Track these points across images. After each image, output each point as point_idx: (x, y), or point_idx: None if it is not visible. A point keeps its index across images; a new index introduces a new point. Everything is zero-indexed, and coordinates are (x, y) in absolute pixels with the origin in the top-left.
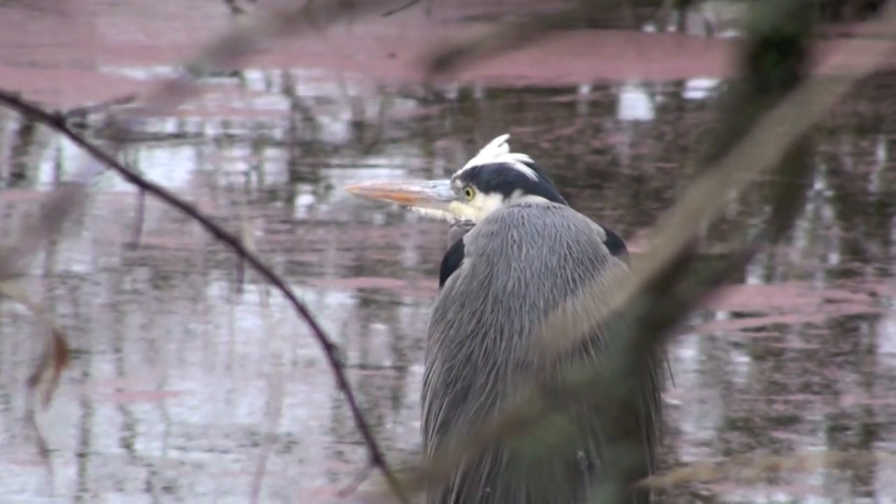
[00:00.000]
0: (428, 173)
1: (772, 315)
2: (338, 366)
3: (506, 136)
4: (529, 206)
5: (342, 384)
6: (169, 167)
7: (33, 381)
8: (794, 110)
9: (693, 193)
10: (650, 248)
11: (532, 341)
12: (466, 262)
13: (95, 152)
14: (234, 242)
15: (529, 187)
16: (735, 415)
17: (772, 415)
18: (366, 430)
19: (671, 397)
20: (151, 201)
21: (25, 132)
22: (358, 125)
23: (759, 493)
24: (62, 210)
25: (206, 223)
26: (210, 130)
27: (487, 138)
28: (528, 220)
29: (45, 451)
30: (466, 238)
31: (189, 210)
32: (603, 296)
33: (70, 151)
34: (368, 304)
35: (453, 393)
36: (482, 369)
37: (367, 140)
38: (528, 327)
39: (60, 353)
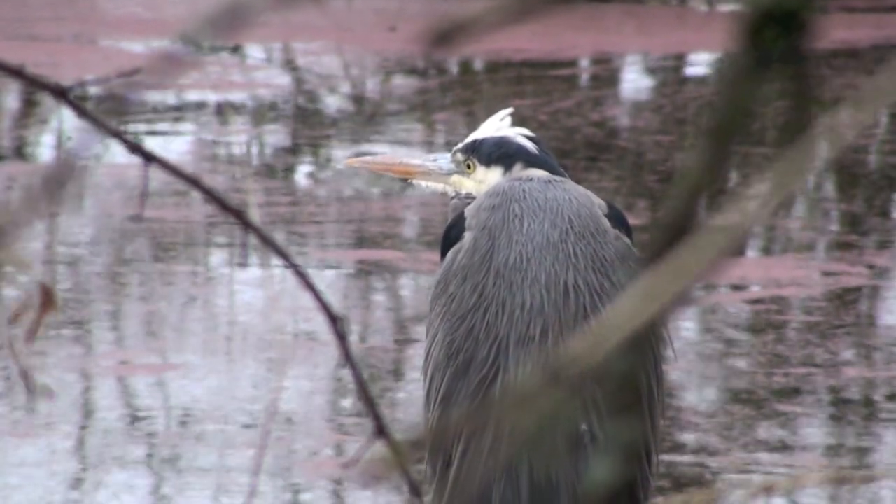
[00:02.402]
0: (428, 146)
1: (770, 287)
2: (342, 338)
3: (509, 110)
4: (531, 179)
5: (346, 356)
6: (170, 140)
7: (13, 319)
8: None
9: (693, 166)
10: (652, 221)
11: (536, 317)
12: (468, 236)
13: (99, 123)
14: (238, 214)
15: (530, 160)
16: (737, 387)
17: (774, 387)
18: (369, 402)
19: (673, 370)
20: (153, 173)
21: (27, 106)
22: (358, 98)
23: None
24: (61, 181)
25: (211, 195)
26: (211, 104)
27: (488, 111)
28: (530, 194)
29: (34, 389)
30: (468, 211)
31: (193, 182)
32: (605, 269)
33: (71, 125)
34: (369, 276)
35: (455, 366)
36: (483, 343)
37: (367, 113)
38: (530, 301)
39: (46, 298)
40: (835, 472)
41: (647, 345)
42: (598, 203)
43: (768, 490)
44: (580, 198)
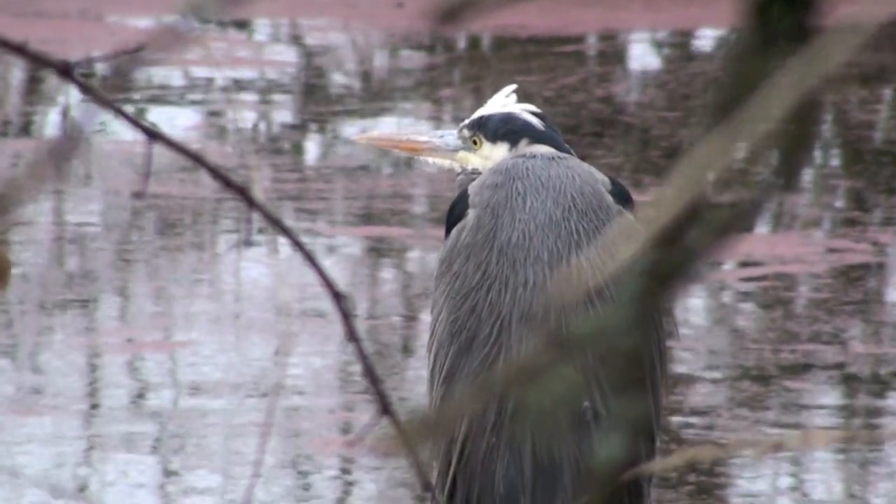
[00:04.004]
0: (435, 122)
1: (774, 264)
2: (347, 315)
3: (513, 87)
4: (534, 156)
5: (351, 333)
6: (176, 117)
7: None
8: (804, 62)
9: (700, 144)
10: (658, 199)
11: (539, 294)
12: (471, 214)
13: (104, 101)
14: (242, 192)
15: (536, 137)
16: (745, 363)
17: (783, 363)
18: (374, 379)
19: (680, 347)
20: (158, 150)
21: (32, 82)
22: (365, 75)
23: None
24: (66, 155)
25: (215, 172)
26: (217, 81)
27: (494, 88)
28: (533, 172)
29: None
30: (471, 189)
31: (197, 159)
32: (608, 247)
33: (77, 102)
34: (377, 252)
35: (458, 344)
36: (487, 321)
37: (374, 89)
38: (533, 279)
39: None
40: (844, 433)
41: (650, 321)
42: (602, 179)
43: (777, 448)
44: (583, 175)
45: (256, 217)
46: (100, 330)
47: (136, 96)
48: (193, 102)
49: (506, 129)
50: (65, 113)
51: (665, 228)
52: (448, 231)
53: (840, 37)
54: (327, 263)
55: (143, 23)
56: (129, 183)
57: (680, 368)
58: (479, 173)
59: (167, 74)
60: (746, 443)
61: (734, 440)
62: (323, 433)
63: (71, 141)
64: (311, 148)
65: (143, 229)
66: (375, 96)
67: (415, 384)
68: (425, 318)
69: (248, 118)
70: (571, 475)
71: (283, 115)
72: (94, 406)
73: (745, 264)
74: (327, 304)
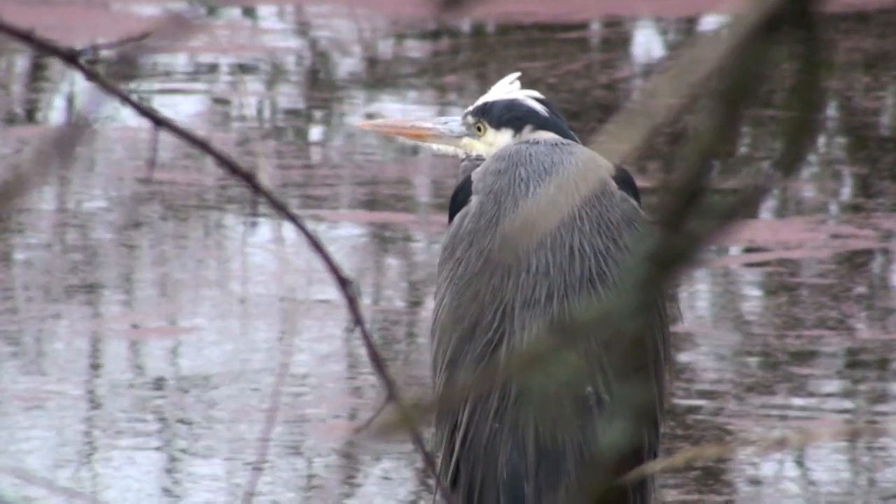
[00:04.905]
0: (440, 109)
1: (778, 250)
2: (352, 300)
3: (517, 73)
4: (537, 142)
5: (356, 319)
6: (181, 103)
7: None
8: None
9: (704, 129)
10: (662, 184)
11: (541, 279)
12: (474, 200)
13: (109, 87)
14: (248, 178)
15: (540, 123)
16: (751, 350)
17: (789, 349)
18: (380, 365)
19: (686, 332)
20: (164, 137)
21: (37, 69)
22: (370, 61)
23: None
24: (71, 142)
25: (221, 158)
26: (223, 67)
27: (499, 74)
28: (536, 158)
29: None
30: (474, 175)
31: (203, 145)
32: (610, 232)
33: (82, 89)
34: (381, 238)
35: (461, 330)
36: (489, 306)
37: (378, 76)
38: (535, 265)
39: None
40: (847, 427)
41: (654, 306)
42: (605, 165)
43: (780, 444)
44: (587, 161)
45: (262, 203)
46: (105, 316)
47: (141, 83)
48: (198, 89)
49: (510, 116)
50: (69, 100)
51: (669, 214)
52: (451, 217)
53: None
54: (332, 249)
55: (147, 10)
56: (133, 169)
57: (685, 354)
58: (484, 160)
59: (172, 61)
60: (749, 440)
61: (737, 437)
62: (328, 419)
63: (76, 128)
64: (316, 134)
65: (147, 215)
66: (380, 83)
67: (419, 370)
68: (430, 303)
69: (252, 104)
70: (575, 460)
71: (288, 101)
72: (99, 392)
73: (749, 250)
74: (332, 290)
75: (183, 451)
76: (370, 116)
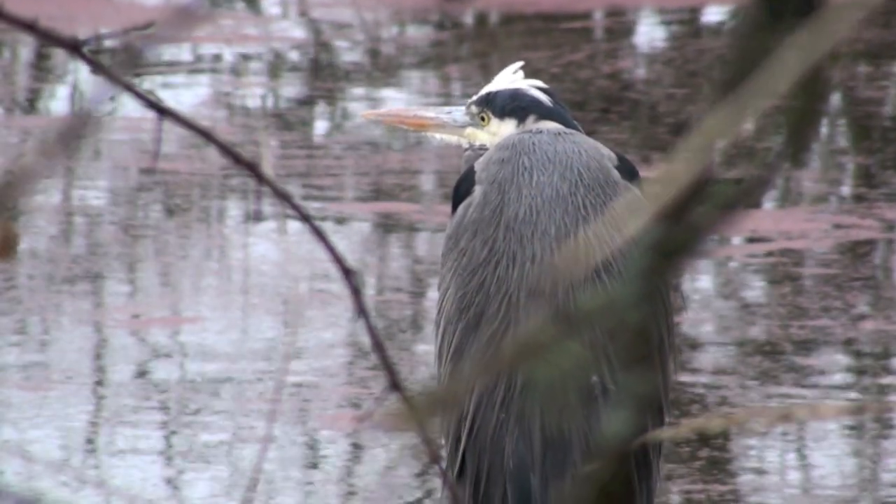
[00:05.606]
0: (443, 98)
1: (780, 240)
2: (356, 291)
3: (520, 63)
4: (540, 132)
5: (360, 309)
6: (185, 93)
7: None
8: (810, 36)
9: (708, 120)
10: (665, 174)
11: (545, 269)
12: (478, 190)
13: (113, 77)
14: (251, 167)
15: (543, 113)
16: (755, 339)
17: (793, 339)
18: (383, 355)
19: (690, 321)
20: (167, 127)
21: (41, 59)
22: (373, 51)
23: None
24: (76, 133)
25: (224, 148)
26: (226, 57)
27: (502, 64)
28: (539, 147)
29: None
30: (478, 165)
31: (207, 135)
32: (615, 222)
33: (85, 79)
34: (385, 228)
35: (466, 320)
36: (494, 296)
37: (382, 65)
38: (540, 254)
39: (5, 239)
40: (853, 404)
41: (658, 296)
42: (608, 155)
43: (785, 418)
44: (590, 150)
45: (266, 193)
46: (108, 306)
47: (145, 73)
48: (202, 79)
49: (513, 106)
50: (73, 90)
51: (672, 204)
52: (455, 207)
53: (845, 11)
54: (336, 239)
55: (151, 0)
56: (137, 159)
57: (689, 344)
58: (487, 149)
59: (175, 51)
60: (755, 413)
61: (743, 411)
62: (331, 409)
63: (80, 119)
64: (320, 124)
65: (150, 205)
66: (383, 72)
67: (424, 360)
68: (434, 294)
69: (256, 94)
70: (581, 450)
71: (292, 90)
72: (102, 382)
73: (751, 240)
74: (336, 280)
75: (186, 441)
76: (374, 106)
